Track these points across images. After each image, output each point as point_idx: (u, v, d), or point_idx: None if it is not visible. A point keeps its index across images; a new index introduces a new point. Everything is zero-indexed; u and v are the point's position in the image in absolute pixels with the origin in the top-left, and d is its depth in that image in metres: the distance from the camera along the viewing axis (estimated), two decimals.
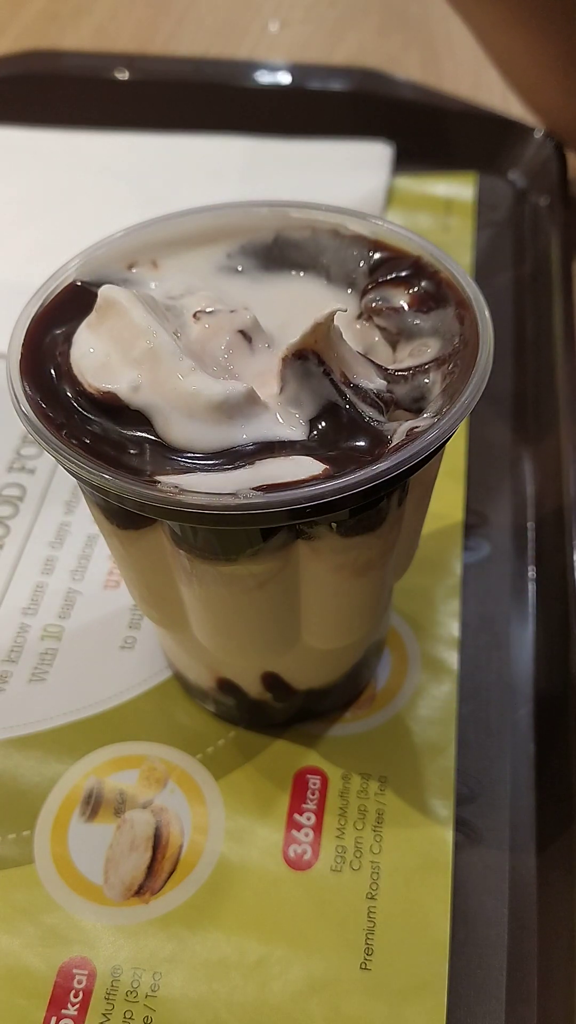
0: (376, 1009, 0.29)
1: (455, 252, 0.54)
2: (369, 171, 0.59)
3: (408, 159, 0.61)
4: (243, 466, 0.25)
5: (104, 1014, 0.29)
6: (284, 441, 0.25)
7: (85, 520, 0.42)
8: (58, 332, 0.28)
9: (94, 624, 0.38)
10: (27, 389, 0.26)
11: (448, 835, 0.32)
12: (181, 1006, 0.29)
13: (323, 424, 0.26)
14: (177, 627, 0.31)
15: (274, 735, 0.35)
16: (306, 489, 0.23)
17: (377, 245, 0.31)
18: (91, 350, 0.27)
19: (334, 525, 0.26)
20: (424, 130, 0.61)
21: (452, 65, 0.70)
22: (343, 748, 0.34)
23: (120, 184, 0.59)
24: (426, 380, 0.27)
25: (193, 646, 0.31)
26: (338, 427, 0.26)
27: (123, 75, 0.65)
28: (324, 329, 0.26)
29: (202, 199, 0.33)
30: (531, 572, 0.41)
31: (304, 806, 0.33)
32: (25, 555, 0.41)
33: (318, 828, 0.32)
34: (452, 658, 0.37)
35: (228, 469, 0.25)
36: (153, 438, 0.25)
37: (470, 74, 0.62)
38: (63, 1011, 0.29)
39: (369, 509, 0.26)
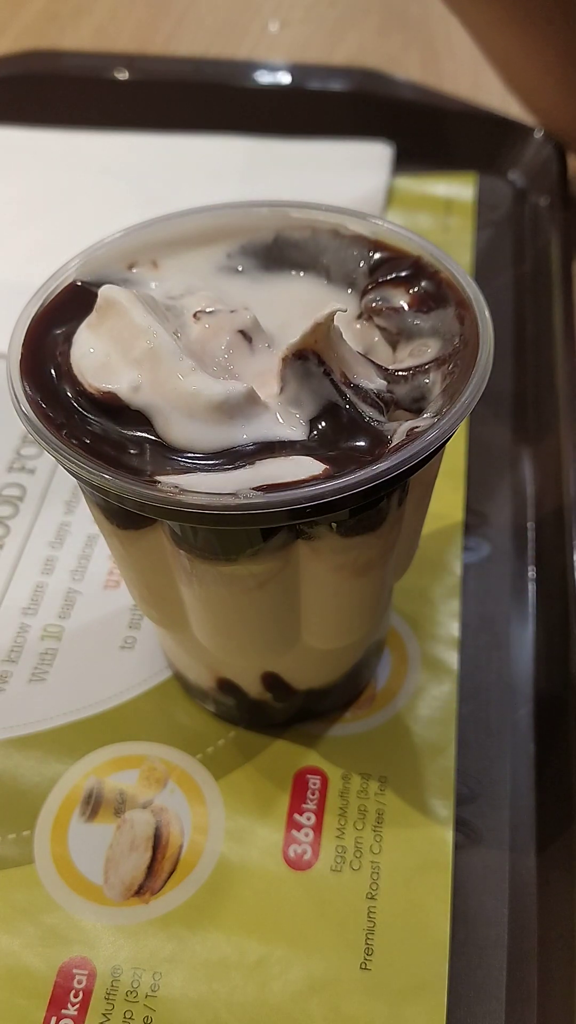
0: (376, 1009, 0.29)
1: (455, 252, 0.54)
2: (369, 171, 0.59)
3: (408, 159, 0.61)
4: (243, 466, 0.25)
5: (104, 1014, 0.29)
6: (284, 441, 0.25)
7: (85, 520, 0.42)
8: (58, 332, 0.28)
9: (94, 624, 0.38)
10: (27, 389, 0.26)
11: (448, 835, 0.32)
12: (181, 1006, 0.29)
13: (323, 424, 0.26)
14: (177, 627, 0.31)
15: (274, 735, 0.35)
16: (306, 489, 0.23)
17: (377, 245, 0.31)
18: (91, 350, 0.27)
19: (334, 525, 0.26)
20: (424, 130, 0.61)
21: (452, 65, 0.70)
22: (343, 748, 0.34)
23: (120, 184, 0.59)
24: (426, 380, 0.27)
25: (193, 646, 0.31)
26: (338, 427, 0.26)
27: (123, 75, 0.65)
28: (324, 329, 0.26)
29: (202, 199, 0.33)
30: (531, 572, 0.41)
31: (304, 806, 0.33)
32: (25, 555, 0.41)
33: (318, 828, 0.32)
34: (452, 658, 0.37)
35: (228, 469, 0.25)
36: (153, 438, 0.25)
37: (470, 74, 0.62)
38: (63, 1011, 0.29)
39: (369, 509, 0.26)
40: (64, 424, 0.25)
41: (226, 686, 0.33)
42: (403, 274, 0.30)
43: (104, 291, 0.27)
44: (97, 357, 0.27)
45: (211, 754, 0.34)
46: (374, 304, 0.30)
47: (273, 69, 0.65)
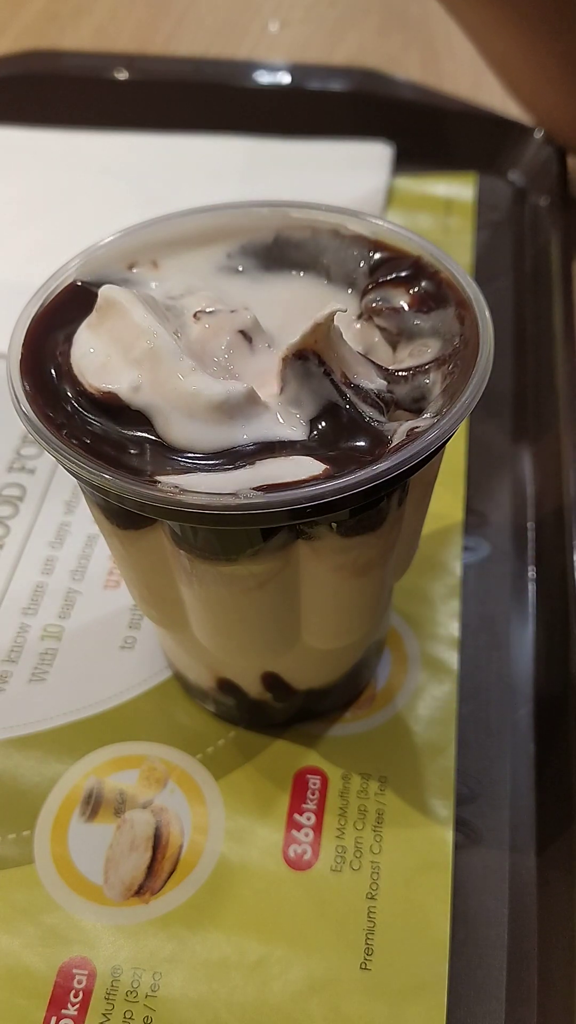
0: (376, 1009, 0.29)
1: (455, 252, 0.54)
2: (369, 171, 0.60)
3: (408, 159, 0.61)
4: (243, 466, 0.25)
5: (104, 1014, 0.29)
6: (284, 441, 0.25)
7: (85, 520, 0.42)
8: (58, 332, 0.28)
9: (94, 624, 0.38)
10: (27, 389, 0.26)
11: (448, 835, 0.32)
12: (181, 1006, 0.29)
13: (323, 424, 0.26)
14: (177, 627, 0.31)
15: (274, 735, 0.35)
16: (306, 489, 0.23)
17: (377, 245, 0.31)
18: (91, 350, 0.27)
19: (334, 525, 0.26)
20: (424, 130, 0.61)
21: (452, 65, 0.70)
22: (343, 748, 0.34)
23: (120, 184, 0.59)
24: (426, 380, 0.27)
25: (193, 646, 0.31)
26: (338, 427, 0.26)
27: (123, 75, 0.65)
28: (324, 329, 0.26)
29: (202, 199, 0.33)
30: (531, 572, 0.41)
31: (304, 806, 0.33)
32: (25, 555, 0.41)
33: (318, 828, 0.32)
34: (452, 658, 0.37)
35: (228, 469, 0.25)
36: (153, 438, 0.25)
37: (470, 74, 0.62)
38: (63, 1011, 0.29)
39: (369, 509, 0.26)
40: (64, 424, 0.25)
41: (226, 686, 0.33)
42: (403, 274, 0.30)
43: (104, 291, 0.27)
44: (97, 357, 0.27)
45: (211, 754, 0.34)
46: (374, 304, 0.30)
47: (273, 69, 0.65)
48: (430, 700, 0.36)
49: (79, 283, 0.30)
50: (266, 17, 0.78)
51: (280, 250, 0.32)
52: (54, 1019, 0.28)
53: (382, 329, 0.30)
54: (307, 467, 0.24)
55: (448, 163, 0.61)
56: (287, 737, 0.35)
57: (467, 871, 0.32)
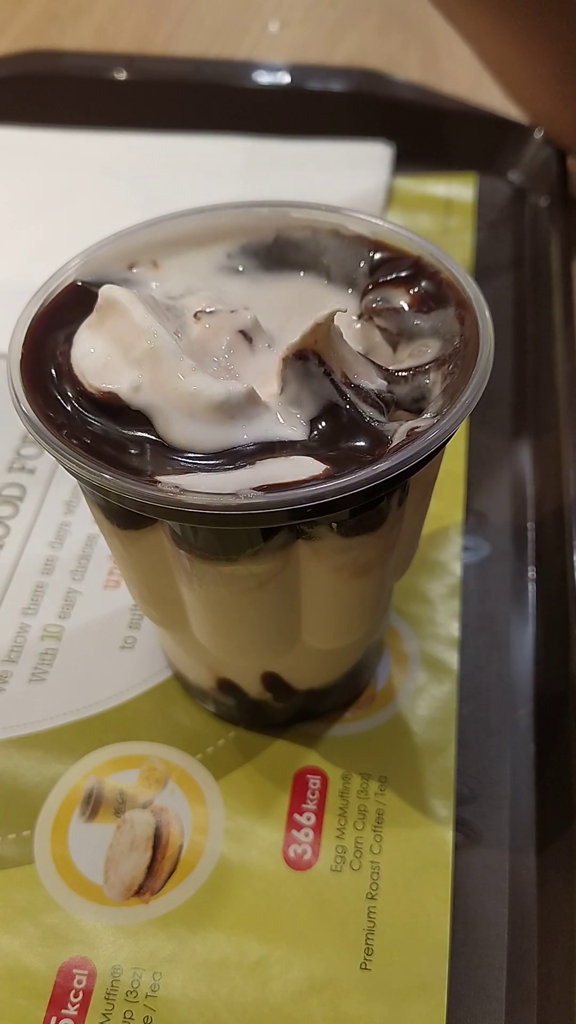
0: (376, 1009, 0.29)
1: (455, 252, 0.54)
2: (369, 171, 0.60)
3: (408, 159, 0.61)
4: (244, 466, 0.25)
5: (104, 1014, 0.29)
6: (285, 441, 0.25)
7: (85, 520, 0.42)
8: (59, 332, 0.28)
9: (94, 624, 0.38)
10: (27, 389, 0.26)
11: (448, 835, 0.32)
12: (181, 1006, 0.29)
13: (324, 424, 0.26)
14: (177, 627, 0.31)
15: (274, 735, 0.35)
16: (307, 489, 0.23)
17: (377, 245, 0.31)
18: (92, 350, 0.27)
19: (334, 525, 0.26)
20: (424, 130, 0.61)
21: (452, 65, 0.70)
22: (343, 748, 0.34)
23: (120, 184, 0.59)
24: (426, 380, 0.27)
25: (193, 646, 0.31)
26: (339, 427, 0.26)
27: (123, 75, 0.65)
28: (324, 329, 0.26)
29: (202, 199, 0.33)
30: (531, 572, 0.41)
31: (304, 806, 0.33)
32: (25, 555, 0.41)
33: (318, 828, 0.32)
34: (452, 658, 0.37)
35: (229, 469, 0.25)
36: (154, 438, 0.25)
37: (470, 74, 0.62)
38: (63, 1011, 0.29)
39: (369, 509, 0.26)
40: (64, 424, 0.25)
41: (226, 686, 0.33)
42: (403, 274, 0.30)
43: (105, 291, 0.27)
44: (97, 357, 0.27)
45: (211, 754, 0.34)
46: (374, 304, 0.30)
47: (273, 69, 0.65)
48: (430, 700, 0.36)
49: (79, 283, 0.30)
50: (266, 17, 0.78)
51: (280, 250, 0.32)
52: (54, 1019, 0.28)
53: (382, 329, 0.30)
54: (307, 467, 0.24)
55: (448, 163, 0.61)
56: (287, 737, 0.35)
57: (467, 871, 0.32)
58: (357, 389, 0.26)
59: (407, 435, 0.25)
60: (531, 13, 0.48)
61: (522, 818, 0.33)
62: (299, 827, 0.32)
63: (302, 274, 0.32)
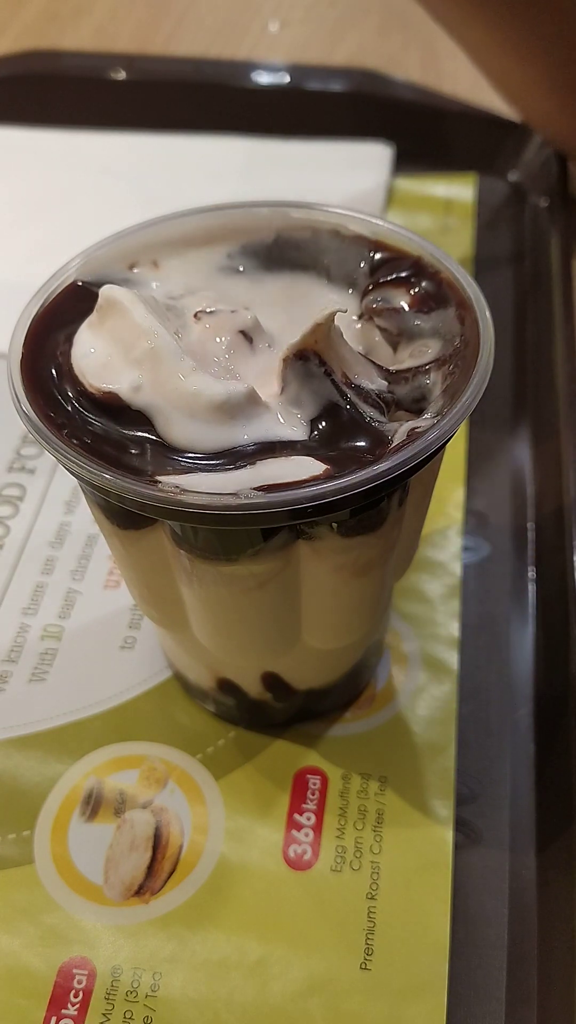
0: (376, 1009, 0.29)
1: (455, 253, 0.54)
2: (369, 172, 0.60)
3: (408, 160, 0.61)
4: (244, 466, 0.25)
5: (104, 1014, 0.29)
6: (285, 441, 0.25)
7: (85, 520, 0.42)
8: (59, 332, 0.28)
9: (94, 624, 0.38)
10: (28, 389, 0.26)
11: (448, 835, 0.32)
12: (181, 1006, 0.29)
13: (324, 424, 0.26)
14: (177, 627, 0.31)
15: (274, 735, 0.35)
16: (307, 489, 0.23)
17: (378, 245, 0.31)
18: (92, 350, 0.27)
19: (335, 525, 0.26)
20: (424, 131, 0.61)
21: (452, 65, 0.70)
22: (343, 748, 0.34)
23: (120, 184, 0.59)
24: (427, 380, 0.27)
25: (193, 646, 0.31)
26: (339, 427, 0.26)
27: (122, 75, 0.65)
28: (324, 329, 0.26)
29: (202, 199, 0.33)
30: (531, 572, 0.41)
31: (304, 806, 0.33)
32: (25, 555, 0.41)
33: (318, 828, 0.32)
34: (452, 658, 0.37)
35: (229, 469, 0.25)
36: (154, 438, 0.25)
37: (470, 74, 0.62)
38: (63, 1011, 0.29)
39: (370, 509, 0.26)
40: (65, 424, 0.25)
41: (226, 686, 0.33)
42: (403, 274, 0.30)
43: (105, 291, 0.27)
44: (98, 357, 0.27)
45: (211, 754, 0.34)
46: (375, 304, 0.30)
47: (273, 69, 0.65)
48: (430, 700, 0.36)
49: (80, 283, 0.30)
50: (266, 17, 0.78)
51: (280, 250, 0.32)
52: (54, 1019, 0.28)
53: (382, 329, 0.30)
54: (308, 467, 0.24)
55: (448, 164, 0.61)
56: (287, 737, 0.35)
57: (467, 871, 0.32)
58: (357, 389, 0.26)
59: (407, 435, 0.25)
60: (527, 23, 0.48)
61: (522, 818, 0.33)
62: (299, 827, 0.32)
63: (302, 274, 0.32)
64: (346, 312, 0.27)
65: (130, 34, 0.76)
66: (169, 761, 0.34)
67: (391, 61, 0.71)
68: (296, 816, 0.33)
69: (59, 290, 0.29)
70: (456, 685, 0.36)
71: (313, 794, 0.33)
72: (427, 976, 0.29)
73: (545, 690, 0.36)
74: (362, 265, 0.31)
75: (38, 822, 0.33)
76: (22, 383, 0.26)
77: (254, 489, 0.23)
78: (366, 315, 0.30)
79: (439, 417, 0.25)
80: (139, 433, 0.25)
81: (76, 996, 0.29)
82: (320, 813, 0.33)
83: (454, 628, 0.38)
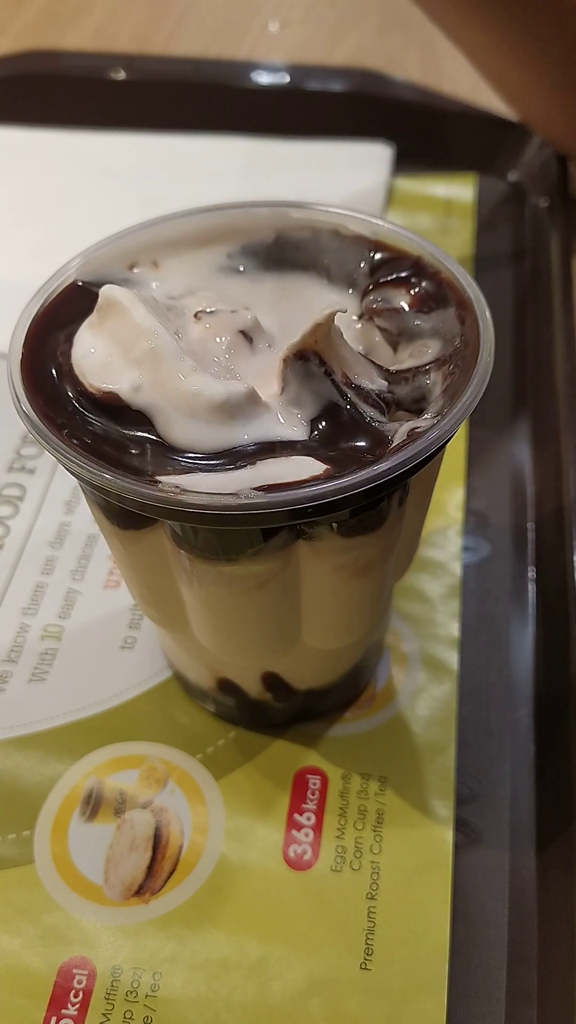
0: (376, 1009, 0.29)
1: (455, 253, 0.54)
2: (369, 172, 0.60)
3: (408, 160, 0.61)
4: (244, 466, 0.25)
5: (104, 1014, 0.29)
6: (285, 441, 0.25)
7: (85, 520, 0.42)
8: (59, 332, 0.28)
9: (94, 624, 0.38)
10: (28, 389, 0.26)
11: (448, 835, 0.32)
12: (181, 1006, 0.29)
13: (324, 424, 0.26)
14: (177, 627, 0.31)
15: (274, 735, 0.35)
16: (307, 489, 0.23)
17: (378, 245, 0.31)
18: (92, 350, 0.27)
19: (335, 525, 0.26)
20: (424, 131, 0.62)
21: (452, 65, 0.70)
22: (343, 748, 0.34)
23: (120, 184, 0.59)
24: (427, 380, 0.27)
25: (193, 646, 0.31)
26: (339, 427, 0.26)
27: (122, 75, 0.65)
28: (324, 329, 0.26)
29: (202, 199, 0.33)
30: (531, 572, 0.41)
31: (304, 806, 0.33)
32: (25, 555, 0.41)
33: (318, 828, 0.32)
34: (452, 658, 0.37)
35: (229, 469, 0.25)
36: (154, 438, 0.25)
37: (470, 74, 0.62)
38: (63, 1011, 0.29)
39: (370, 509, 0.26)
40: (65, 424, 0.25)
41: (226, 686, 0.33)
42: (404, 274, 0.30)
43: (105, 291, 0.27)
44: (98, 357, 0.27)
45: (211, 754, 0.34)
46: (375, 304, 0.30)
47: (273, 69, 0.65)
48: (430, 700, 0.36)
49: (80, 283, 0.30)
50: (266, 17, 0.78)
51: (280, 250, 0.32)
52: (54, 1019, 0.28)
53: (383, 329, 0.30)
54: (308, 467, 0.24)
55: (448, 164, 0.61)
56: (287, 737, 0.35)
57: (467, 871, 0.32)
58: (358, 389, 0.26)
59: (408, 435, 0.25)
60: (525, 23, 0.48)
61: (522, 818, 0.33)
62: (299, 827, 0.32)
63: (302, 274, 0.32)
64: (346, 312, 0.27)
65: (130, 34, 0.76)
66: (169, 761, 0.34)
67: (391, 61, 0.71)
68: (296, 816, 0.33)
69: (59, 290, 0.29)
70: (456, 685, 0.36)
71: (313, 794, 0.33)
72: (427, 976, 0.29)
73: (545, 690, 0.36)
74: (362, 265, 0.31)
75: (38, 822, 0.33)
76: (22, 383, 0.26)
77: (254, 489, 0.23)
78: (366, 315, 0.30)
79: (439, 417, 0.25)
80: (139, 433, 0.25)
81: (76, 996, 0.29)
82: (320, 813, 0.33)
83: (454, 628, 0.38)
